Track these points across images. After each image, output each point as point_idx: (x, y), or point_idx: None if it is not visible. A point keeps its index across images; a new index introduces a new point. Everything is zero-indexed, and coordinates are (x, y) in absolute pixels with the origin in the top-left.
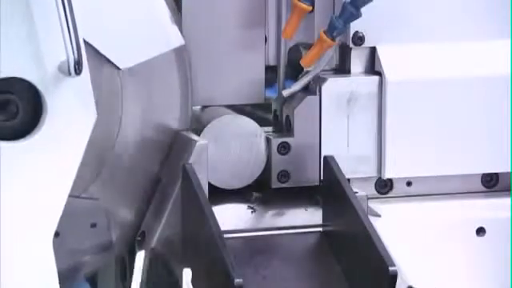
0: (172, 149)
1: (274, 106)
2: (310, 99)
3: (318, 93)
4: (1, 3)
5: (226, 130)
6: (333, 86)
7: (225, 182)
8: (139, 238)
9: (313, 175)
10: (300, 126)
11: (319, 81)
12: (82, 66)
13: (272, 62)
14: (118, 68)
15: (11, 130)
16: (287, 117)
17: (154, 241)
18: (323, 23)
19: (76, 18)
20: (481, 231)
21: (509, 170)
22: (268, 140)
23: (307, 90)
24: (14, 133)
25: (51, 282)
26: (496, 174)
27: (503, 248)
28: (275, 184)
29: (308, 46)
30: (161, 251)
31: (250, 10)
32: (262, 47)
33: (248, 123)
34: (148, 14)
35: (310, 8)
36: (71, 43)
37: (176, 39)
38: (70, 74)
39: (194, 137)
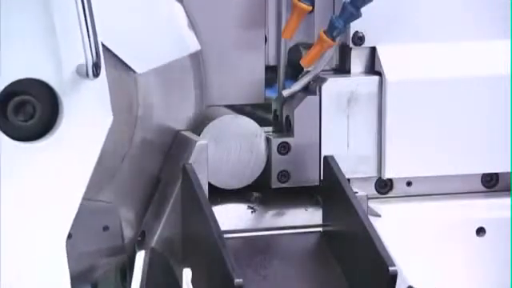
0: (172, 149)
1: (273, 106)
2: (310, 99)
3: (317, 93)
4: (20, 5)
5: (226, 130)
6: (333, 86)
7: (225, 182)
8: (139, 238)
9: (313, 175)
10: (300, 126)
11: (319, 81)
12: (100, 68)
13: (272, 62)
14: (134, 72)
15: (28, 130)
16: (287, 117)
17: (153, 241)
18: (323, 23)
19: (95, 21)
20: (481, 231)
21: (509, 170)
22: (268, 140)
23: (307, 90)
24: (30, 134)
25: (64, 283)
26: (496, 174)
27: (503, 248)
28: (275, 184)
29: (308, 46)
30: (161, 251)
31: (249, 9)
32: (262, 47)
33: (248, 123)
34: (166, 19)
35: (310, 8)
36: (90, 46)
37: (192, 44)
38: (87, 76)
39: (194, 137)
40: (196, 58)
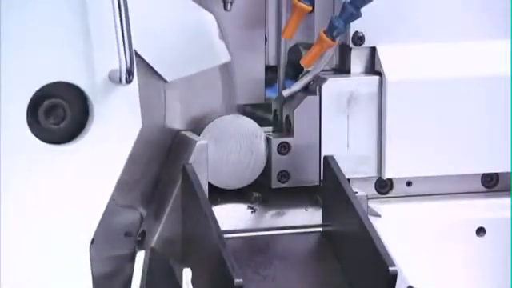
0: (172, 149)
1: (273, 106)
2: (310, 99)
3: (318, 93)
4: (57, 10)
5: (226, 130)
6: (333, 86)
7: (225, 182)
8: (139, 238)
9: (313, 175)
10: (300, 126)
11: (319, 81)
12: (133, 75)
13: (272, 62)
14: (164, 80)
15: (58, 133)
16: (287, 117)
17: (153, 241)
18: (323, 23)
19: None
20: (481, 231)
21: (509, 170)
22: (268, 140)
23: (307, 90)
24: (60, 137)
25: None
26: (496, 174)
27: (503, 248)
28: (275, 184)
29: (308, 46)
30: (161, 251)
31: (250, 9)
32: (262, 47)
33: (248, 123)
34: (198, 29)
35: (310, 8)
36: (125, 52)
37: (223, 55)
38: (120, 82)
39: (194, 137)
40: (225, 69)
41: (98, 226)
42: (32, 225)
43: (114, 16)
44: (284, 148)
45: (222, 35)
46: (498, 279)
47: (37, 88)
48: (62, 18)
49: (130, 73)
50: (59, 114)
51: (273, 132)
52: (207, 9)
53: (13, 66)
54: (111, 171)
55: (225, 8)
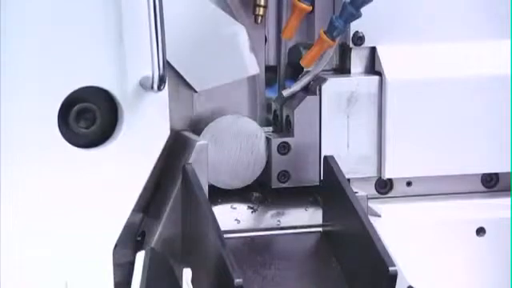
0: (172, 149)
1: (273, 106)
2: (310, 99)
3: (318, 93)
4: (92, 15)
5: (226, 130)
6: (333, 86)
7: (225, 183)
8: (139, 238)
9: (313, 175)
10: (300, 126)
11: (319, 81)
12: (165, 82)
13: (272, 62)
14: (194, 90)
15: (88, 137)
16: (287, 117)
17: (153, 241)
18: (323, 23)
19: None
20: (481, 231)
21: (509, 170)
22: (268, 140)
23: (307, 90)
24: (89, 141)
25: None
26: (496, 174)
27: (503, 248)
28: (275, 184)
29: (308, 46)
30: (161, 251)
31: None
32: (262, 47)
33: (248, 123)
34: (229, 40)
35: (310, 8)
36: (158, 60)
37: (252, 68)
38: (152, 88)
39: (194, 137)
40: (253, 81)
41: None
42: (58, 228)
43: (150, 23)
44: (284, 148)
45: (253, 47)
46: (498, 279)
47: (69, 92)
48: (96, 22)
49: (162, 80)
50: (89, 118)
51: (273, 132)
52: (238, 21)
53: (47, 69)
54: (137, 177)
55: (255, 21)
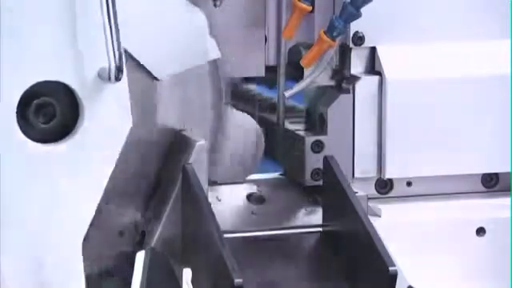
0: (172, 149)
1: (306, 104)
2: (344, 98)
3: (351, 91)
4: (46, 8)
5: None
6: (366, 85)
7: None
8: (139, 238)
9: (345, 173)
10: (334, 125)
11: (352, 79)
12: (122, 72)
13: (272, 62)
14: (155, 78)
15: (48, 132)
16: (320, 115)
17: (153, 241)
18: (323, 23)
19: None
20: (481, 231)
21: (509, 170)
22: (302, 138)
23: (340, 88)
24: (50, 136)
25: (79, 286)
26: (496, 174)
27: (503, 248)
28: (309, 182)
29: (308, 46)
30: (161, 251)
31: (250, 10)
32: (262, 47)
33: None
34: (188, 26)
35: (310, 8)
36: (113, 50)
37: (213, 52)
38: (109, 79)
39: (194, 137)
40: (214, 65)
41: (92, 226)
42: (22, 224)
43: (102, 13)
44: (318, 146)
45: (212, 32)
46: (498, 279)
47: (26, 87)
48: (50, 16)
49: (119, 70)
50: (49, 112)
51: (305, 130)
52: (197, 5)
53: (2, 64)
54: (102, 169)
55: (214, 5)
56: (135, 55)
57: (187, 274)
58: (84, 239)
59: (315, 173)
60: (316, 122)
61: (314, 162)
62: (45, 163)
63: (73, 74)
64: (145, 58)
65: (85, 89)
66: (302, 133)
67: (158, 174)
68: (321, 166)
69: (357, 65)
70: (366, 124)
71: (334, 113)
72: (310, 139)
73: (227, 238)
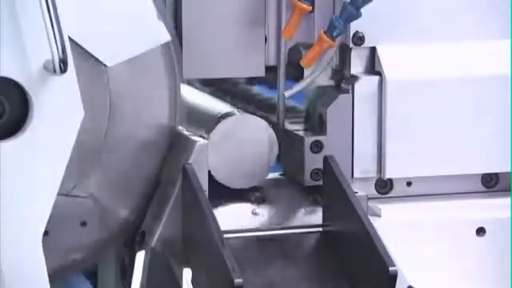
0: (172, 149)
1: (306, 105)
2: (343, 98)
3: (350, 91)
4: None
5: (236, 130)
6: (365, 85)
7: (234, 182)
8: (139, 238)
9: (345, 173)
10: (333, 125)
11: (352, 79)
12: (67, 64)
13: (272, 62)
14: (104, 65)
15: None
16: (320, 115)
17: (153, 241)
18: (323, 23)
19: (61, 15)
20: (481, 231)
21: (509, 170)
22: (301, 139)
23: (339, 88)
24: (0, 132)
25: (41, 280)
26: (496, 174)
27: (503, 248)
28: (308, 182)
29: (308, 46)
30: (161, 251)
31: (249, 10)
32: (262, 47)
33: (257, 122)
34: (133, 10)
35: (310, 8)
36: (56, 41)
37: (162, 35)
38: (55, 72)
39: (194, 137)
40: (167, 49)
41: (51, 218)
42: None
43: (41, 4)
44: (317, 146)
45: (159, 15)
46: (498, 279)
47: None
48: None
49: (63, 62)
50: None
51: (305, 130)
52: None
53: None
54: (56, 162)
55: None
56: (82, 43)
57: (187, 274)
58: (44, 234)
59: (315, 173)
60: (315, 123)
61: (313, 162)
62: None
63: (19, 68)
64: (92, 46)
65: (32, 83)
66: (301, 133)
67: (158, 174)
68: (320, 166)
69: (357, 65)
70: (365, 124)
71: (334, 113)
72: (309, 139)
73: (227, 238)
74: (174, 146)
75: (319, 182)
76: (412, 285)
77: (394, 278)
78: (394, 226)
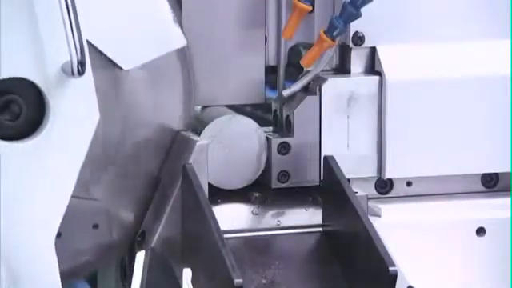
0: (172, 149)
1: (273, 106)
2: (310, 99)
3: (318, 93)
4: (4, 4)
5: (226, 130)
6: (333, 86)
7: (225, 182)
8: (139, 238)
9: (313, 175)
10: (300, 126)
11: (319, 81)
12: (85, 66)
13: (272, 62)
14: (121, 69)
15: (14, 130)
16: (287, 117)
17: (153, 241)
18: (323, 23)
19: (80, 18)
20: (481, 231)
21: (509, 170)
22: (268, 140)
23: (307, 90)
24: (17, 133)
25: (53, 281)
26: (496, 174)
27: (503, 248)
28: (275, 184)
29: (308, 46)
30: (161, 251)
31: (249, 10)
32: (262, 47)
33: (248, 123)
34: (151, 15)
35: (310, 8)
36: (74, 44)
37: (179, 40)
38: (73, 74)
39: (194, 137)
40: (183, 54)
41: (65, 220)
42: None
43: (61, 7)
44: (284, 148)
45: (177, 19)
46: (498, 279)
47: None
48: (7, 12)
49: (81, 64)
50: (15, 110)
51: (273, 132)
52: None
53: None
54: (71, 164)
55: None
56: (99, 47)
57: (187, 273)
58: (57, 235)
59: (282, 175)
60: (283, 124)
61: (280, 164)
62: (12, 161)
63: (36, 69)
64: (109, 49)
65: (49, 84)
66: (268, 134)
67: (158, 173)
68: (287, 168)
69: (357, 65)
70: (335, 125)
71: (301, 115)
72: (276, 141)
73: (227, 238)
74: (174, 146)
75: (286, 184)
76: (412, 285)
77: (394, 278)
78: (394, 225)
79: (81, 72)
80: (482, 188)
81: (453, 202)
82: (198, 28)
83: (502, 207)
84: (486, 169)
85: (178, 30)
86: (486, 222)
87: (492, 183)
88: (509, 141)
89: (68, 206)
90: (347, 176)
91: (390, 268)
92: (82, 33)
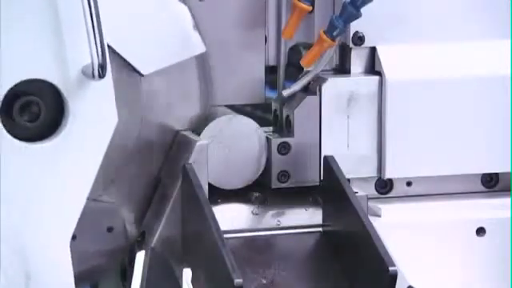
0: (172, 149)
1: (273, 106)
2: (310, 99)
3: (318, 93)
4: (27, 6)
5: (226, 130)
6: (333, 86)
7: (225, 183)
8: (139, 238)
9: (313, 175)
10: (300, 126)
11: (319, 81)
12: (105, 69)
13: (272, 62)
14: (140, 74)
15: (33, 131)
16: (287, 117)
17: (153, 241)
18: (323, 23)
19: (102, 22)
20: (481, 231)
21: (509, 170)
22: (268, 140)
23: (307, 90)
24: (36, 134)
25: (68, 284)
26: (496, 174)
27: (503, 248)
28: (275, 184)
29: (308, 46)
30: (161, 251)
31: (250, 10)
32: (262, 47)
33: (248, 123)
34: (172, 21)
35: (310, 8)
36: (96, 47)
37: (198, 46)
38: (93, 77)
39: (194, 137)
40: (201, 60)
41: (80, 222)
42: (10, 223)
43: (84, 9)
44: (284, 148)
45: (196, 26)
46: (498, 279)
47: (10, 86)
48: (32, 14)
49: (102, 67)
50: (34, 111)
51: (273, 132)
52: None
53: None
54: (89, 166)
55: None
56: (119, 51)
57: (187, 273)
58: (72, 238)
59: (282, 175)
60: (283, 124)
61: (280, 164)
62: (31, 162)
63: (57, 71)
64: (129, 54)
65: (69, 86)
66: (268, 134)
67: (158, 174)
68: (287, 168)
69: (357, 65)
70: (335, 125)
71: (301, 114)
72: (276, 141)
73: (227, 238)
74: (174, 146)
75: (286, 184)
76: (412, 285)
77: (394, 277)
78: (394, 225)
79: (101, 75)
80: (481, 188)
81: (453, 202)
82: (197, 28)
83: (501, 207)
84: (486, 169)
85: (198, 36)
86: (486, 221)
87: (492, 183)
88: (509, 141)
89: (84, 209)
90: (347, 176)
91: (390, 268)
92: (104, 36)
